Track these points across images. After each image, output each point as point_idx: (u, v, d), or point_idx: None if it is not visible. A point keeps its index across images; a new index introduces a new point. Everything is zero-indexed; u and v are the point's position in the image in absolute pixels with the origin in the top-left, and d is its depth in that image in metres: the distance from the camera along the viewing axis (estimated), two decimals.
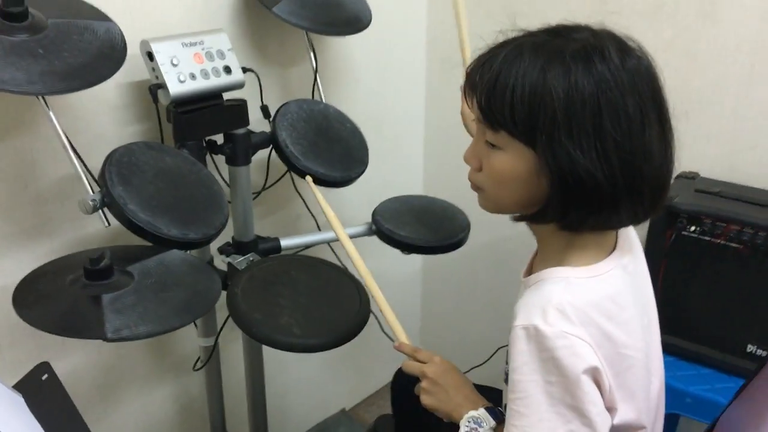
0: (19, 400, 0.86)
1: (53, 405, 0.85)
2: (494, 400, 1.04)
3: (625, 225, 0.95)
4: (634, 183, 0.85)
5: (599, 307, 0.87)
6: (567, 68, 0.82)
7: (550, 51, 0.84)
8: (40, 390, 0.88)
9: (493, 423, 0.97)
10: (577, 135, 0.82)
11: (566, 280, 0.89)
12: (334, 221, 1.23)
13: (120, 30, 1.17)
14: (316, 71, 1.59)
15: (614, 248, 0.95)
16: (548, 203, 0.88)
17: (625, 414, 0.89)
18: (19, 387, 0.89)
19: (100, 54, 1.09)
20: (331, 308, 1.27)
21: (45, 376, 0.90)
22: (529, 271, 1.03)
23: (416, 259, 2.27)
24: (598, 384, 0.85)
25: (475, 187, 0.98)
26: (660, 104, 0.87)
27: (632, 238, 1.01)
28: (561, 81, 0.82)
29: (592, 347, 0.84)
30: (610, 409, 0.88)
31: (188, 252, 1.23)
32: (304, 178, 1.39)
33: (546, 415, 0.84)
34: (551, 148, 0.83)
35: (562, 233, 0.92)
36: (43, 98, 1.08)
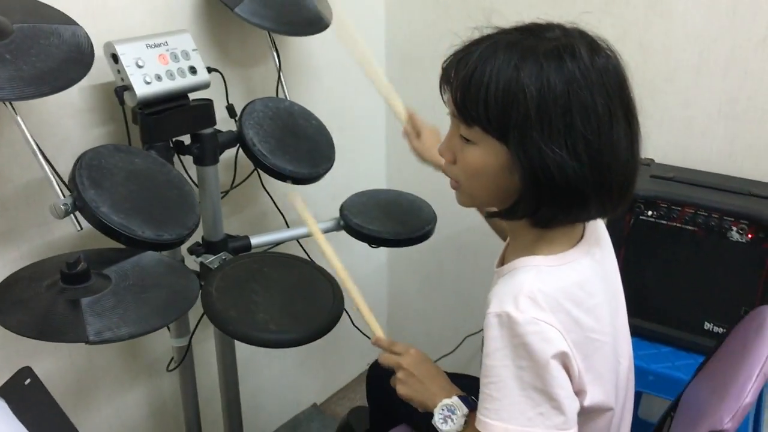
0: (2, 405, 0.86)
1: (39, 409, 0.86)
2: (469, 386, 1.07)
3: (594, 218, 0.98)
4: (602, 178, 0.88)
5: (568, 293, 0.90)
6: (540, 67, 0.84)
7: (524, 49, 0.86)
8: (24, 395, 0.88)
9: (465, 410, 1.00)
10: (548, 132, 0.84)
11: (537, 269, 0.92)
12: (318, 234, 1.27)
13: (86, 33, 1.16)
14: (279, 70, 1.60)
15: (582, 238, 0.99)
16: (520, 199, 0.90)
17: (594, 396, 0.93)
18: (1, 393, 0.89)
19: (68, 58, 1.09)
20: (305, 304, 1.29)
21: (28, 381, 0.90)
22: (502, 262, 1.06)
23: (381, 252, 2.30)
24: (567, 369, 0.88)
25: (452, 182, 1.01)
26: (627, 102, 0.90)
27: (599, 228, 1.04)
28: (534, 79, 0.84)
29: (562, 333, 0.87)
30: (580, 392, 0.91)
31: (161, 253, 1.24)
32: (286, 181, 1.42)
33: (517, 399, 0.87)
34: (523, 144, 0.86)
35: (533, 227, 0.95)
36: (11, 104, 1.07)
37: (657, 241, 1.47)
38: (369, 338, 1.20)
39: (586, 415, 0.94)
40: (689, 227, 1.43)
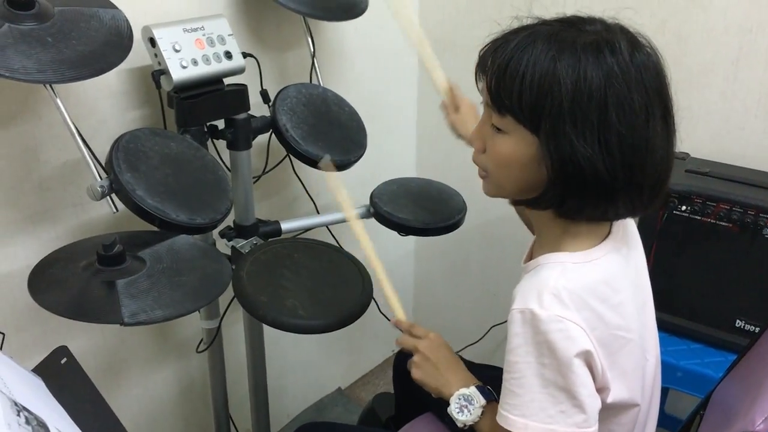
0: (39, 383, 0.88)
1: (74, 388, 0.87)
2: (492, 377, 1.07)
3: (622, 217, 0.97)
4: (634, 177, 0.87)
5: (593, 291, 0.90)
6: (577, 59, 0.83)
7: (563, 41, 0.85)
8: (60, 374, 0.90)
9: (483, 401, 1.00)
10: (581, 126, 0.83)
11: (562, 265, 0.92)
12: (348, 210, 1.29)
13: (125, 17, 1.17)
14: (313, 56, 1.60)
15: (608, 234, 0.98)
16: (547, 190, 0.90)
17: (617, 393, 0.92)
18: (38, 371, 0.91)
19: (108, 41, 1.10)
20: (334, 290, 1.30)
21: (64, 360, 0.92)
22: (530, 257, 1.06)
23: (409, 240, 2.30)
24: (590, 367, 0.88)
25: (480, 171, 1.00)
26: (665, 100, 0.88)
27: (627, 225, 1.03)
28: (570, 71, 0.83)
29: (585, 331, 0.87)
30: (603, 389, 0.91)
31: (193, 236, 1.25)
32: (317, 167, 1.43)
33: (538, 396, 0.87)
34: (555, 136, 0.85)
35: (558, 220, 0.94)
36: (51, 86, 1.08)
37: (690, 237, 1.45)
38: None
39: (610, 411, 0.94)
40: (723, 223, 1.41)
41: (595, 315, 0.89)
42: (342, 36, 1.81)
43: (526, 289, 0.90)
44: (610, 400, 0.92)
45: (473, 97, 0.95)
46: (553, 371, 0.86)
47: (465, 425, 1.01)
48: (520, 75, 0.85)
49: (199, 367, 1.74)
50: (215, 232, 1.48)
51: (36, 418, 0.66)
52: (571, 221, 0.94)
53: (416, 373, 1.09)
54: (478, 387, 1.02)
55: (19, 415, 0.63)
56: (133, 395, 1.63)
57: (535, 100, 0.85)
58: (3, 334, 1.09)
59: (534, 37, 0.87)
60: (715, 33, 1.53)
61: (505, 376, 0.91)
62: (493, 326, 2.12)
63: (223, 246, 1.48)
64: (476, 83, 0.94)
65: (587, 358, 0.87)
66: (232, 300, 1.46)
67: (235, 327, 1.76)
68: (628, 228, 1.03)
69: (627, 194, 0.89)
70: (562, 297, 0.87)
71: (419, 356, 1.10)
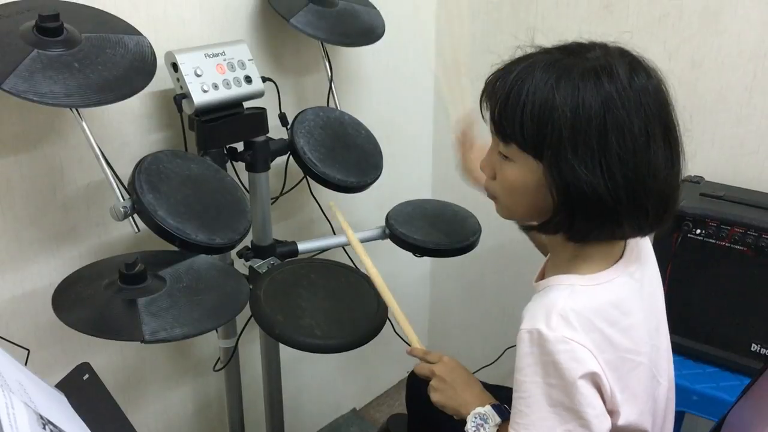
0: (62, 398, 0.90)
1: (96, 405, 0.89)
2: (506, 398, 1.07)
3: (630, 237, 0.98)
4: (637, 199, 0.88)
5: (602, 313, 0.90)
6: (575, 87, 0.85)
7: (561, 69, 0.87)
8: (82, 390, 0.92)
9: (498, 420, 1.01)
10: (582, 152, 0.85)
11: (571, 288, 0.93)
12: (358, 247, 1.30)
13: (149, 43, 1.21)
14: (331, 80, 1.63)
15: (621, 256, 0.98)
16: (554, 215, 0.91)
17: (627, 416, 0.93)
18: (60, 387, 0.93)
19: (132, 67, 1.14)
20: (350, 310, 1.32)
21: (86, 377, 0.94)
22: (541, 277, 1.07)
23: (425, 261, 2.31)
24: (599, 388, 0.89)
25: (491, 195, 1.02)
26: (667, 122, 0.90)
27: (642, 246, 1.03)
28: (569, 99, 0.85)
29: (593, 353, 0.87)
30: (613, 412, 0.92)
31: (212, 256, 1.28)
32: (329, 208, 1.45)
33: (545, 415, 0.88)
34: (557, 163, 0.87)
35: (570, 243, 0.96)
36: (77, 110, 1.12)
37: (704, 260, 1.45)
38: (408, 345, 1.22)
39: None
40: (738, 247, 1.41)
41: (603, 337, 0.89)
42: (359, 60, 1.84)
43: (535, 309, 0.92)
44: (621, 423, 0.92)
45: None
46: (559, 391, 0.87)
47: None
48: (521, 105, 0.88)
49: (215, 386, 1.76)
50: (233, 252, 1.50)
51: (60, 431, 0.68)
52: (582, 244, 0.95)
53: (435, 397, 1.11)
54: (493, 406, 1.03)
55: (44, 428, 0.66)
56: (150, 412, 1.65)
57: (536, 129, 0.87)
58: (28, 350, 1.12)
59: (534, 67, 0.89)
60: (729, 59, 1.55)
61: (514, 395, 0.93)
62: (508, 348, 2.11)
63: (241, 266, 1.51)
64: (482, 113, 0.96)
65: (594, 380, 0.88)
66: (249, 319, 1.48)
67: (252, 346, 1.78)
68: (643, 249, 1.04)
69: (631, 216, 0.90)
70: (570, 318, 0.88)
71: (436, 380, 1.11)
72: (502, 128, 0.92)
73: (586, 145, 0.85)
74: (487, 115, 0.95)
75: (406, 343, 1.23)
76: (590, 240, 0.94)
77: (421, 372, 1.15)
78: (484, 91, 0.96)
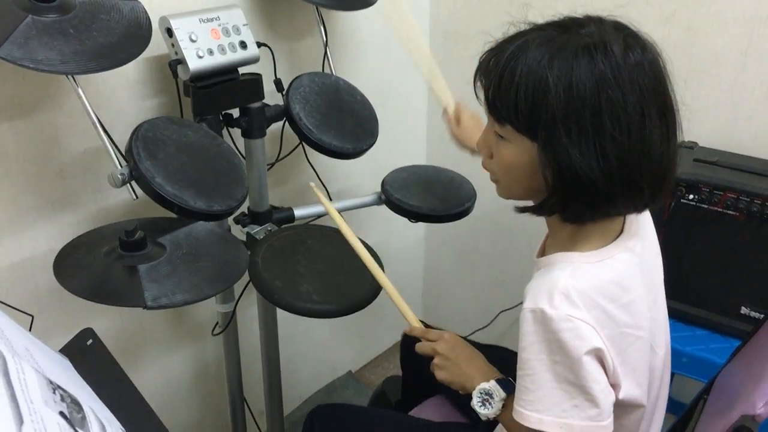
0: (67, 363, 0.91)
1: (101, 369, 0.91)
2: (504, 359, 1.10)
3: (624, 214, 0.98)
4: (631, 178, 0.88)
5: (604, 290, 0.91)
6: (569, 66, 0.84)
7: (554, 48, 0.86)
8: (86, 355, 0.93)
9: (503, 394, 1.02)
10: (576, 133, 0.85)
11: (573, 266, 0.93)
12: (344, 227, 1.24)
13: (144, 8, 1.20)
14: (326, 45, 1.62)
15: (621, 231, 0.99)
16: (549, 197, 0.91)
17: (628, 389, 0.94)
18: (64, 352, 0.94)
19: (127, 33, 1.13)
20: (346, 275, 1.33)
21: (90, 342, 0.95)
22: (542, 252, 1.07)
23: (419, 226, 2.33)
24: (602, 363, 0.90)
25: (492, 176, 1.02)
26: (663, 98, 0.89)
27: (641, 218, 1.03)
28: (562, 80, 0.84)
29: (596, 329, 0.88)
30: (615, 386, 0.93)
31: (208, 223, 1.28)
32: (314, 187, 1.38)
33: (551, 391, 0.90)
34: (551, 144, 0.86)
35: (567, 223, 0.96)
36: (73, 77, 1.11)
37: (697, 225, 1.47)
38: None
39: (621, 407, 0.96)
40: (730, 212, 1.43)
41: (604, 314, 0.90)
42: (354, 25, 1.83)
43: (537, 288, 0.92)
44: (621, 396, 0.94)
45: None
46: (564, 368, 0.88)
47: (488, 418, 1.03)
48: (514, 86, 0.87)
49: (213, 350, 1.78)
50: (230, 219, 1.51)
51: (70, 396, 0.69)
52: (579, 224, 0.96)
53: (440, 374, 1.12)
54: (498, 381, 1.04)
55: (54, 392, 0.67)
56: (149, 377, 1.67)
57: (530, 109, 0.87)
58: (32, 316, 1.13)
59: (527, 45, 0.87)
60: (724, 24, 1.55)
61: (519, 372, 0.94)
62: (501, 312, 2.15)
63: (238, 232, 1.52)
64: (475, 92, 0.96)
65: (598, 355, 0.89)
66: (247, 285, 1.50)
67: (249, 310, 1.80)
68: (642, 222, 1.04)
69: (627, 195, 0.90)
70: (572, 297, 0.88)
71: (439, 358, 1.12)
72: (496, 109, 0.91)
73: (579, 126, 0.84)
74: (481, 94, 0.94)
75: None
76: (585, 221, 0.94)
77: (423, 351, 1.15)
78: (477, 70, 0.94)
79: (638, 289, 0.96)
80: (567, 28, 0.89)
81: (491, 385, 1.04)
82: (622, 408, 0.97)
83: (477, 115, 1.38)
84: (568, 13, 0.94)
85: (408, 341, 1.56)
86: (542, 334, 0.89)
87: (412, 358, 1.33)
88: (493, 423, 1.07)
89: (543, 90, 0.85)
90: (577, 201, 0.90)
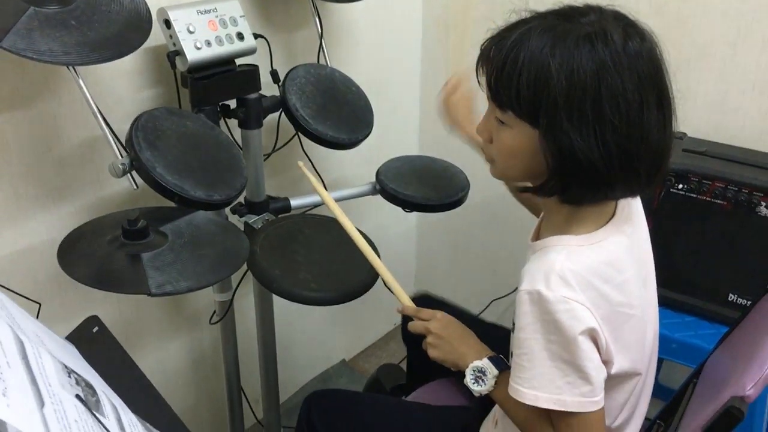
0: (74, 350, 0.93)
1: (107, 356, 0.92)
2: (500, 338, 1.13)
3: (622, 198, 1.01)
4: (630, 164, 0.91)
5: (598, 272, 0.94)
6: (570, 54, 0.87)
7: (556, 35, 0.88)
8: (93, 342, 0.95)
9: (496, 372, 1.06)
10: (577, 120, 0.87)
11: (568, 248, 0.96)
12: (336, 210, 1.27)
13: (144, 0, 1.21)
14: (321, 36, 1.64)
15: (613, 215, 1.02)
16: (549, 179, 0.94)
17: (621, 364, 0.98)
18: (70, 339, 0.96)
19: (128, 24, 1.14)
20: (343, 264, 1.35)
21: (96, 329, 0.97)
22: (537, 236, 1.10)
23: (412, 215, 2.35)
24: (595, 342, 0.93)
25: (488, 157, 1.05)
26: (661, 87, 0.91)
27: (632, 203, 1.06)
28: (564, 67, 0.86)
29: (590, 310, 0.91)
30: (608, 362, 0.96)
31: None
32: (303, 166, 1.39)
33: (546, 369, 0.93)
34: (552, 131, 0.89)
35: (564, 205, 0.99)
36: (74, 68, 1.12)
37: (686, 214, 1.50)
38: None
39: (613, 380, 0.99)
40: (718, 201, 1.46)
41: (599, 294, 0.93)
42: (348, 17, 1.85)
43: (534, 270, 0.95)
44: (613, 371, 0.97)
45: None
46: (559, 347, 0.92)
47: (481, 394, 1.07)
48: (516, 73, 0.89)
49: (210, 338, 1.80)
50: (227, 209, 1.53)
51: (84, 380, 0.71)
52: (575, 206, 0.99)
53: (433, 353, 1.14)
54: (490, 358, 1.08)
55: (69, 376, 0.69)
56: (147, 365, 1.67)
57: (532, 96, 0.89)
58: (39, 304, 1.14)
59: (529, 33, 0.90)
60: (714, 15, 1.57)
61: (515, 351, 0.97)
62: (494, 300, 2.18)
63: (235, 221, 1.53)
64: (477, 78, 0.98)
65: (592, 335, 0.92)
66: (245, 273, 1.52)
67: (245, 299, 1.81)
68: (633, 207, 1.07)
69: (624, 180, 0.93)
70: (568, 279, 0.91)
71: (432, 337, 1.15)
72: (498, 96, 0.94)
73: (580, 113, 0.87)
74: (483, 80, 0.96)
75: (391, 292, 1.26)
76: (584, 203, 0.97)
77: (416, 329, 1.18)
78: (480, 57, 0.96)
79: (630, 269, 0.99)
80: (568, 16, 0.91)
81: (484, 362, 1.07)
82: (619, 378, 1.00)
83: (469, 97, 1.40)
84: (568, 2, 0.96)
85: (407, 320, 1.58)
86: (539, 314, 0.92)
87: (414, 337, 1.35)
88: (486, 405, 1.10)
89: (545, 77, 0.87)
90: (577, 184, 0.93)
